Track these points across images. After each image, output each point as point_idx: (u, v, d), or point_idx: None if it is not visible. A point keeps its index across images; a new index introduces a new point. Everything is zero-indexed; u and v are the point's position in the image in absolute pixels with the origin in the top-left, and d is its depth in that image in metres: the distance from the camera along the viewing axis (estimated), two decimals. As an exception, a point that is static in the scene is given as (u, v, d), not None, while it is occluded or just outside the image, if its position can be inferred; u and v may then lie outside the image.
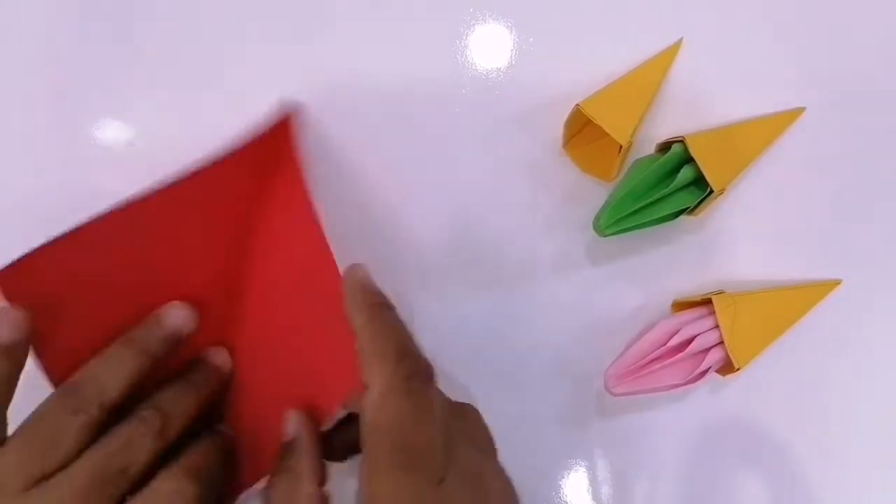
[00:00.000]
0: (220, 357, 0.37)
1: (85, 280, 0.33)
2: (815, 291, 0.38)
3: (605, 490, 0.38)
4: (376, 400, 0.29)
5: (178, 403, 0.34)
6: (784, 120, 0.39)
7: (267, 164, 0.35)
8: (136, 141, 0.40)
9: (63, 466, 0.31)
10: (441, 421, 0.29)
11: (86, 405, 0.32)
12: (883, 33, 0.39)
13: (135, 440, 0.32)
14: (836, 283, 0.38)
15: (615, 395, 0.36)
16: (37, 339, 0.33)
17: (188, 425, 0.34)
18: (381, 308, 0.32)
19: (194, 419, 0.35)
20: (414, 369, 0.30)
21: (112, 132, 0.40)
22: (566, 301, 0.39)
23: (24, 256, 0.32)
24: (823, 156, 0.39)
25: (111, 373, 0.33)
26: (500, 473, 0.31)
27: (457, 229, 0.39)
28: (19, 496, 0.30)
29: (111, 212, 0.32)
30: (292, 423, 0.34)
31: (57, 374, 0.33)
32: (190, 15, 0.40)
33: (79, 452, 0.32)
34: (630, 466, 0.38)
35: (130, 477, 0.32)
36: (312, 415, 0.34)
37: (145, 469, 0.32)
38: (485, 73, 0.40)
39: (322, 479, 0.32)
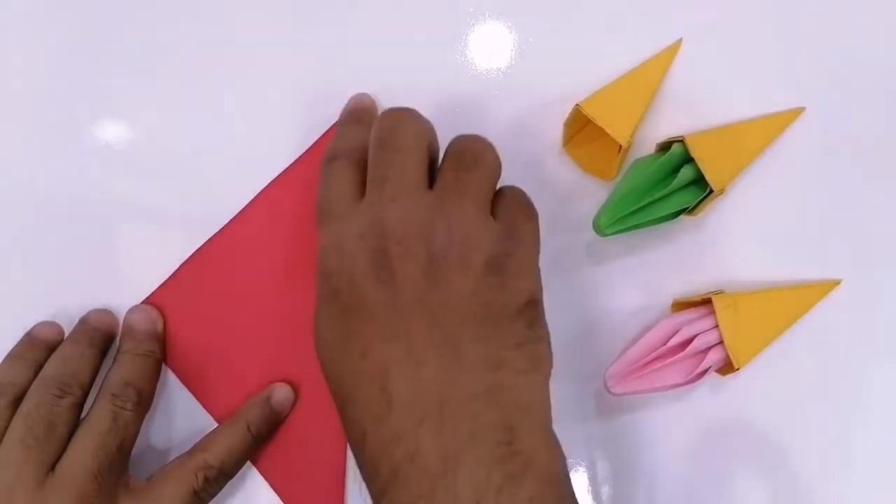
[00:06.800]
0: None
1: (209, 295, 0.38)
2: (815, 291, 0.38)
3: (605, 490, 0.38)
4: None
5: (143, 372, 0.36)
6: (784, 120, 0.39)
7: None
8: (136, 141, 0.40)
9: (62, 451, 0.32)
10: None
11: (69, 388, 0.34)
12: (883, 33, 0.39)
13: (119, 415, 0.33)
14: (836, 283, 0.38)
15: (615, 395, 0.36)
16: (175, 353, 0.38)
17: (154, 390, 0.37)
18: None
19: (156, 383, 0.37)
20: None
21: (112, 132, 0.40)
22: (566, 301, 0.39)
23: (170, 279, 0.38)
24: (823, 156, 0.39)
25: (77, 363, 0.35)
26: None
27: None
28: (38, 492, 0.31)
29: (222, 230, 0.36)
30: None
31: (206, 399, 0.38)
32: (190, 15, 0.40)
33: (70, 434, 0.33)
34: (630, 466, 0.38)
35: (126, 451, 0.34)
36: None
37: (134, 441, 0.34)
38: (485, 73, 0.40)
39: None
